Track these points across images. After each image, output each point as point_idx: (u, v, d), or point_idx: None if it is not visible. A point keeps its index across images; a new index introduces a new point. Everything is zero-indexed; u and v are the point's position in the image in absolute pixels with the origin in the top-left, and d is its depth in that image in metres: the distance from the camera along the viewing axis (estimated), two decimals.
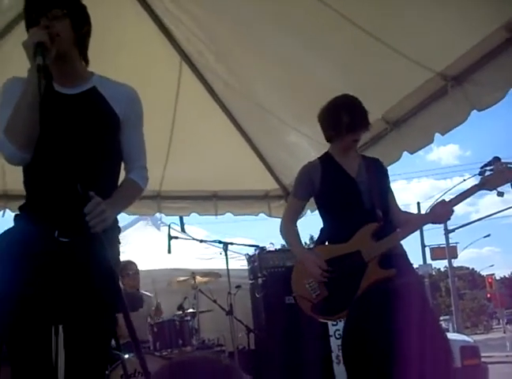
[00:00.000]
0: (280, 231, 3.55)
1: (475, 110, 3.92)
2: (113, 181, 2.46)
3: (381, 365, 2.86)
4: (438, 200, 3.27)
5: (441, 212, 3.17)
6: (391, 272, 3.11)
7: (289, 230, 3.53)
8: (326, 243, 3.43)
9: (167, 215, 7.04)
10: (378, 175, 3.44)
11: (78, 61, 2.43)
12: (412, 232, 3.32)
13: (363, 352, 2.98)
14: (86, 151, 2.30)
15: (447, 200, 3.19)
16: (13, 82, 2.33)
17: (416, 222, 3.38)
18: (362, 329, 3.01)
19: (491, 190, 3.10)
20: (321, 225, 3.49)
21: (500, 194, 3.10)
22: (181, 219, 11.23)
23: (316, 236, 3.57)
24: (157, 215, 6.97)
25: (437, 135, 4.29)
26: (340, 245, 3.27)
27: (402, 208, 3.55)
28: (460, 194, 3.18)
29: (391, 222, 3.34)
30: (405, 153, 4.66)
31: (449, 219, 3.20)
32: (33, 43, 2.13)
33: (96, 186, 2.25)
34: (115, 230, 2.41)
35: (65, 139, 2.26)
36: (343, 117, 3.31)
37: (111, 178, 2.45)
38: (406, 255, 3.35)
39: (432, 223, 3.29)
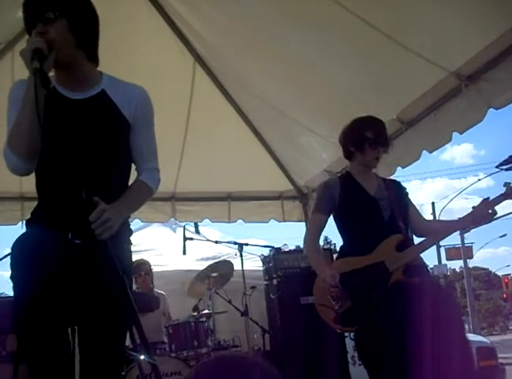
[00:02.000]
0: (304, 248, 3.57)
1: (491, 109, 3.90)
2: (123, 184, 2.44)
3: (396, 360, 2.85)
4: (480, 202, 3.19)
5: (482, 212, 3.14)
6: (415, 281, 3.11)
7: (314, 248, 3.50)
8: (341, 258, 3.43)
9: (180, 221, 7.06)
10: (398, 194, 3.46)
11: (85, 64, 2.35)
12: (447, 235, 3.36)
13: (378, 348, 2.98)
14: (94, 156, 2.29)
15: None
16: (18, 86, 2.28)
17: (452, 225, 3.38)
18: (377, 325, 3.01)
19: None
20: (337, 232, 3.50)
21: None
22: None
23: (330, 237, 3.57)
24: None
25: (455, 134, 4.27)
26: (363, 256, 3.26)
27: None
28: (496, 196, 3.15)
29: (411, 237, 3.36)
30: (423, 152, 4.63)
31: (492, 218, 3.16)
32: (30, 50, 2.08)
33: (105, 190, 2.25)
34: (126, 232, 2.40)
35: (74, 145, 2.26)
36: (366, 132, 3.36)
37: (121, 181, 2.44)
38: (427, 266, 3.37)
39: (476, 224, 3.25)
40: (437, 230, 3.34)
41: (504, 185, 3.12)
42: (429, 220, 3.51)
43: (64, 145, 2.25)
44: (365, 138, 3.36)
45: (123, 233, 2.34)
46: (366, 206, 3.37)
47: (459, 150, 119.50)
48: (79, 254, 2.22)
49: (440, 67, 4.04)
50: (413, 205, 3.52)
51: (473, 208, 3.18)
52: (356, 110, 3.68)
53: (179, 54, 5.37)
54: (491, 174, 31.76)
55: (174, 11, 5.04)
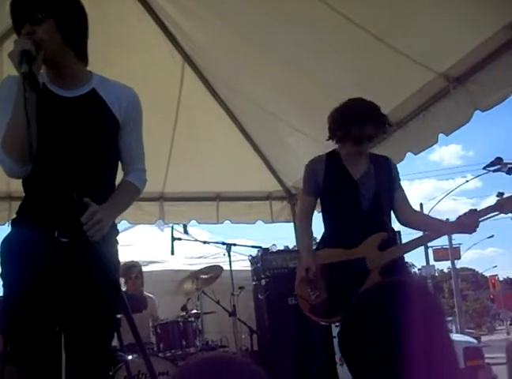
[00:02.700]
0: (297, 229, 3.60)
1: (478, 110, 3.92)
2: (111, 184, 2.45)
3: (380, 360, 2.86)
4: (467, 211, 3.16)
5: (468, 222, 3.11)
6: (394, 280, 3.12)
7: (301, 229, 3.54)
8: (324, 248, 3.42)
9: (167, 222, 7.01)
10: (387, 175, 3.40)
11: (74, 62, 2.34)
12: (436, 238, 3.38)
13: (362, 346, 2.98)
14: (84, 154, 2.28)
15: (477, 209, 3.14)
16: (8, 82, 2.27)
17: (441, 229, 3.32)
18: (360, 324, 3.01)
19: (506, 213, 3.07)
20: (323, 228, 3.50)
21: None
22: None
23: (319, 237, 3.55)
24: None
25: (441, 135, 4.29)
26: (347, 250, 3.26)
27: None
28: (485, 208, 3.12)
29: (393, 229, 3.35)
30: (408, 154, 4.65)
31: (475, 230, 3.12)
32: (18, 52, 2.07)
33: (93, 190, 2.25)
34: (113, 231, 2.40)
35: (63, 143, 2.25)
36: (352, 128, 3.30)
37: (109, 181, 2.44)
38: (404, 259, 3.35)
39: (460, 232, 3.22)
40: (421, 225, 3.34)
41: (497, 196, 3.10)
42: (416, 211, 3.49)
43: (54, 143, 2.24)
44: (351, 135, 3.30)
45: (111, 233, 2.34)
46: (345, 191, 3.33)
47: (447, 151, 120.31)
48: (67, 253, 2.22)
49: (428, 69, 4.05)
50: (401, 189, 3.44)
51: (460, 216, 3.14)
52: None
53: (168, 54, 5.35)
54: (478, 176, 31.90)
55: (160, 9, 5.02)
